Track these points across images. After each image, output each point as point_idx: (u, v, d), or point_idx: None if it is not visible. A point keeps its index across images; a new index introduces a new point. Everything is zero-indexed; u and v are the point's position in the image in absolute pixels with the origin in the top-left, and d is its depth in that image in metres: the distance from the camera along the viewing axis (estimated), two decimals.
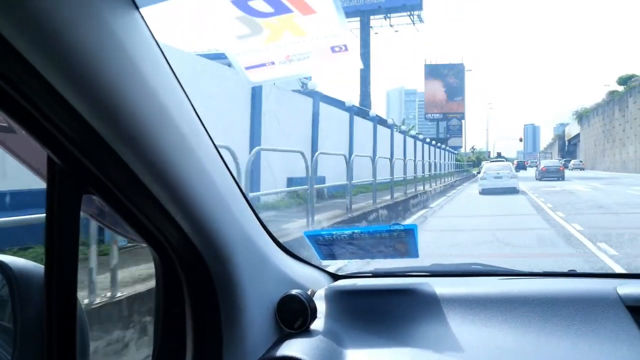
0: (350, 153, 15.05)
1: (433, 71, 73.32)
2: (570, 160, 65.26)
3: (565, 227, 9.88)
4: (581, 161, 64.44)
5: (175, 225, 0.88)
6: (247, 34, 0.80)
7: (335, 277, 1.46)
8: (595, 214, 12.25)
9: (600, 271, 1.47)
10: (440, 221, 12.93)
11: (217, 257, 0.96)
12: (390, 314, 1.23)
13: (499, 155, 71.17)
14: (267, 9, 0.74)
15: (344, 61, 0.81)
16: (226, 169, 1.00)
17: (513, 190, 20.47)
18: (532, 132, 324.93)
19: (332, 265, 1.37)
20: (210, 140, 0.94)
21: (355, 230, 1.22)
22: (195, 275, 0.97)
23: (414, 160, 20.62)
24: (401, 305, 1.24)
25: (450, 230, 10.72)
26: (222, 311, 0.99)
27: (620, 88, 56.22)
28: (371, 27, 42.80)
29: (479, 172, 29.52)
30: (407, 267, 1.50)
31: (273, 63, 0.85)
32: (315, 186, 8.24)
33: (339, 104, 18.58)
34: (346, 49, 0.79)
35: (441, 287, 1.28)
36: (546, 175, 32.89)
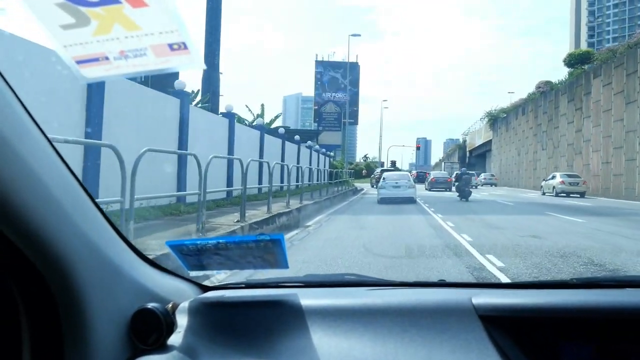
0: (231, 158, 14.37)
1: (325, 68, 72.20)
2: (481, 174, 59.92)
3: None
4: (493, 175, 59.56)
5: None
6: (73, 24, 0.81)
7: (205, 288, 1.52)
8: None
9: (468, 281, 1.66)
10: None
11: (53, 269, 0.97)
12: (255, 326, 1.31)
13: (393, 164, 71.08)
14: None
15: (184, 60, 0.86)
16: (67, 172, 1.02)
17: (410, 200, 22.56)
18: (424, 145, 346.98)
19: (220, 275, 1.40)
20: (44, 139, 0.95)
21: (221, 240, 1.28)
22: (31, 289, 0.98)
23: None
24: (267, 317, 1.33)
25: None
26: (64, 328, 1.01)
27: (556, 79, 46.75)
28: None
29: (377, 183, 29.46)
30: (280, 278, 1.61)
31: (107, 58, 0.87)
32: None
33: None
34: (185, 47, 0.84)
35: (310, 298, 1.39)
36: (435, 185, 38.09)
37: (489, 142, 70.93)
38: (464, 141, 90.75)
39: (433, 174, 43.40)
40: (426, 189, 38.91)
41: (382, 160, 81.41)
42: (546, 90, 48.27)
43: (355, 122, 75.65)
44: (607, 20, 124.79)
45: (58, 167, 0.99)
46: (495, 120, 67.00)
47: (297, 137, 31.13)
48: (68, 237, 0.99)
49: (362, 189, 39.80)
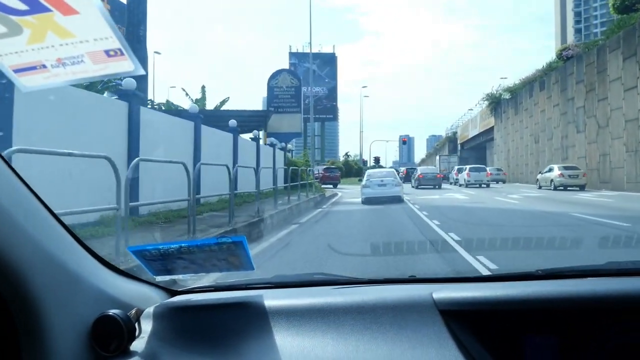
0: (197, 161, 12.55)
1: (299, 60, 70.46)
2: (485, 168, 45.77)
3: None
4: (500, 169, 47.70)
5: None
6: (5, 33, 0.84)
7: (173, 292, 1.57)
8: None
9: (438, 276, 1.73)
10: None
11: (4, 276, 1.00)
12: (219, 329, 1.36)
13: (376, 161, 70.19)
14: (21, 6, 0.80)
15: (122, 65, 0.89)
16: (18, 182, 1.05)
17: (397, 199, 21.67)
18: (407, 142, 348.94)
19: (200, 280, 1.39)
20: None
21: (183, 245, 1.33)
22: None
23: None
24: (231, 320, 1.38)
25: None
26: (21, 339, 1.04)
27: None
28: None
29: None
30: (250, 280, 1.67)
31: (45, 66, 0.90)
32: None
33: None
34: (122, 53, 0.87)
35: (276, 299, 1.45)
36: (423, 182, 36.54)
37: (489, 130, 60.82)
38: (454, 133, 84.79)
39: (420, 170, 41.24)
40: (412, 187, 36.98)
41: (364, 159, 75.97)
42: (578, 53, 36.17)
43: (335, 118, 74.13)
44: (594, 4, 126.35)
45: (8, 178, 1.02)
46: (497, 103, 56.06)
47: (193, 106, 17.83)
48: (20, 245, 1.02)
49: (335, 195, 29.53)
